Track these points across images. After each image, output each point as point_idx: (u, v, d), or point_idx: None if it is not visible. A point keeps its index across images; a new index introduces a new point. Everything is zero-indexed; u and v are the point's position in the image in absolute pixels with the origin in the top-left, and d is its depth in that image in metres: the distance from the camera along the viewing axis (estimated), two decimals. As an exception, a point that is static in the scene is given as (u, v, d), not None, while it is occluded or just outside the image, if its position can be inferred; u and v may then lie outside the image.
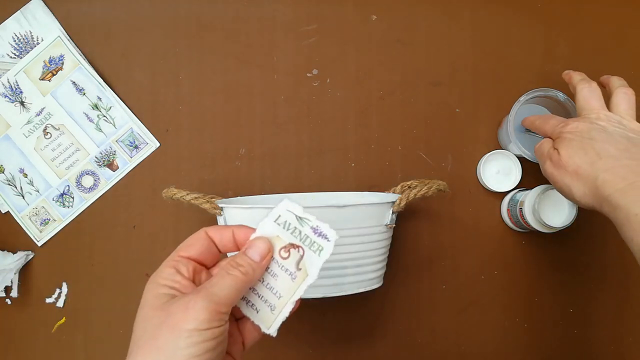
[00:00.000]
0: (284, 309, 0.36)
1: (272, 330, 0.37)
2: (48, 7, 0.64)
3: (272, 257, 0.37)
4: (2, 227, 0.63)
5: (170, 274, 0.36)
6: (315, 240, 0.36)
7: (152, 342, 0.32)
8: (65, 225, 0.63)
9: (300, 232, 0.36)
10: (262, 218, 0.37)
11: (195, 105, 0.64)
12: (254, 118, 0.64)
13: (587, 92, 0.51)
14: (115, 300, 0.62)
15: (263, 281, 0.37)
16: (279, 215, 0.37)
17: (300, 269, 0.36)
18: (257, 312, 0.37)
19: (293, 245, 0.36)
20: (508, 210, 0.61)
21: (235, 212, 0.50)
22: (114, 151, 0.64)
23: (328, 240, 0.36)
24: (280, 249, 0.37)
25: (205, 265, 0.38)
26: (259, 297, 0.37)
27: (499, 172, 0.62)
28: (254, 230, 0.38)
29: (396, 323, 0.62)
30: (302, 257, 0.36)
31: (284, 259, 0.37)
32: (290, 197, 0.60)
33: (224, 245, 0.38)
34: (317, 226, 0.36)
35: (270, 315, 0.37)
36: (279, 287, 0.37)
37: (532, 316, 0.62)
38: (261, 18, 0.65)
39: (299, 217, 0.36)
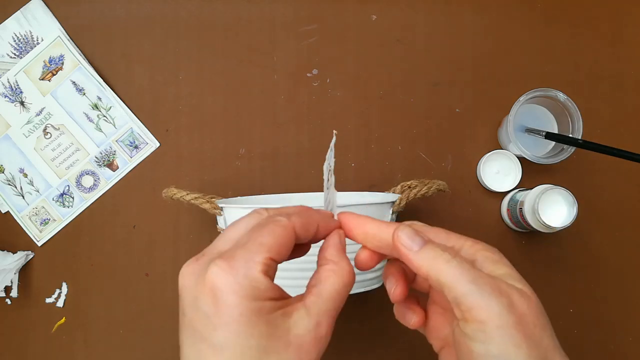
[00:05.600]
0: None
1: None
2: (48, 7, 0.64)
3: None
4: (2, 227, 0.63)
5: (265, 284, 0.27)
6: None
7: None
8: (65, 225, 0.63)
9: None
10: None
11: (195, 105, 0.64)
12: (254, 118, 0.64)
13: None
14: (115, 300, 0.62)
15: None
16: None
17: None
18: None
19: None
20: (508, 210, 0.61)
21: (235, 212, 0.50)
22: (114, 151, 0.64)
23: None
24: None
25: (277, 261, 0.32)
26: None
27: (499, 172, 0.62)
28: (336, 222, 0.34)
29: (396, 323, 0.62)
30: None
31: None
32: (290, 197, 0.60)
33: (304, 238, 0.32)
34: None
35: None
36: None
37: (532, 316, 0.62)
38: (261, 18, 0.65)
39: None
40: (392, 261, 0.36)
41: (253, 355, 0.26)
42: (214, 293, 0.27)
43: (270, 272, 0.28)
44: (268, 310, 0.27)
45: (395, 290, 0.35)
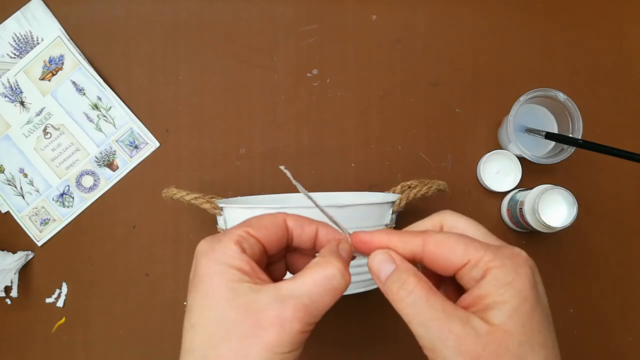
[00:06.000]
0: None
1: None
2: (48, 7, 0.64)
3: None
4: (2, 227, 0.63)
5: (237, 252, 0.29)
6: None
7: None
8: (65, 225, 0.63)
9: None
10: None
11: (195, 105, 0.64)
12: (254, 118, 0.64)
13: None
14: (115, 300, 0.62)
15: None
16: None
17: None
18: None
19: None
20: (508, 210, 0.61)
21: (235, 212, 0.50)
22: (114, 151, 0.64)
23: None
24: None
25: (268, 253, 0.33)
26: None
27: (499, 172, 0.62)
28: (341, 234, 0.34)
29: (396, 323, 0.62)
30: None
31: None
32: (291, 197, 0.60)
33: (301, 241, 0.33)
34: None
35: None
36: None
37: (532, 316, 0.62)
38: (261, 18, 0.65)
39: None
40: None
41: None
42: (195, 257, 0.30)
43: (244, 243, 0.30)
44: (233, 278, 0.29)
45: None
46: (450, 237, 0.31)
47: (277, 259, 0.35)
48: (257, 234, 0.31)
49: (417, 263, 0.32)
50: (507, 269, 0.29)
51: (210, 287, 0.29)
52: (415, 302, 0.29)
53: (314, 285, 0.29)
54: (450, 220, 0.34)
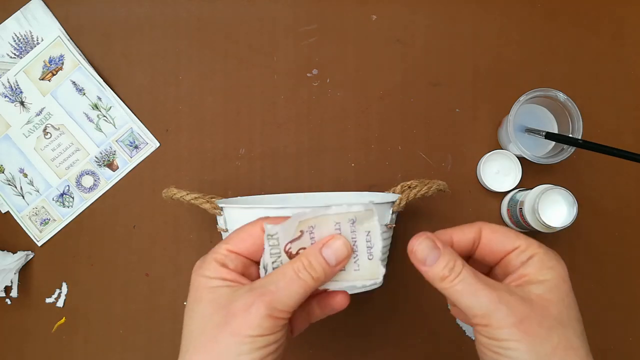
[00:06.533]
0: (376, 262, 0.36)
1: (379, 278, 0.36)
2: (48, 7, 0.64)
3: (348, 261, 0.35)
4: (2, 227, 0.63)
5: (216, 268, 0.34)
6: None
7: (211, 346, 0.31)
8: (65, 225, 0.63)
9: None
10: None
11: (195, 105, 0.64)
12: (254, 118, 0.64)
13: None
14: (115, 300, 0.62)
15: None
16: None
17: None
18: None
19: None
20: (508, 210, 0.61)
21: (235, 212, 0.50)
22: (114, 151, 0.64)
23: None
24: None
25: (255, 261, 0.36)
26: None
27: (499, 172, 0.62)
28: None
29: (396, 323, 0.62)
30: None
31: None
32: (290, 197, 0.60)
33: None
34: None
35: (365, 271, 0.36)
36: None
37: (532, 316, 0.62)
38: (261, 18, 0.65)
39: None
40: None
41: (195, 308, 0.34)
42: (192, 277, 0.35)
43: (226, 260, 0.34)
44: (214, 285, 0.33)
45: (452, 310, 0.42)
46: (503, 227, 0.36)
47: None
48: (235, 248, 0.35)
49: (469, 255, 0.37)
50: (550, 255, 0.35)
51: (196, 294, 0.34)
52: (465, 279, 0.33)
53: (282, 275, 0.33)
54: (486, 227, 0.38)
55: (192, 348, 0.32)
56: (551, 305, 0.32)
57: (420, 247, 0.34)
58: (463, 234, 0.36)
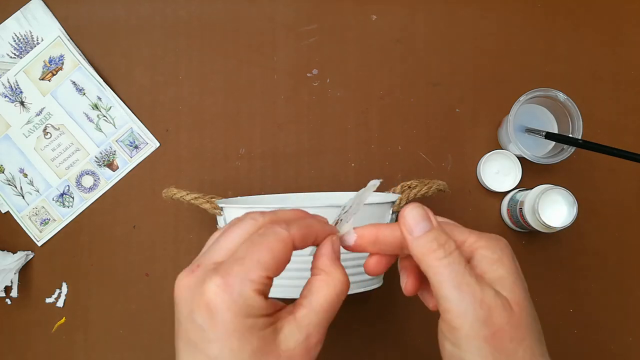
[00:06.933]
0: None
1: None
2: (48, 7, 0.64)
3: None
4: (2, 227, 0.63)
5: (259, 302, 0.28)
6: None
7: None
8: (65, 225, 0.63)
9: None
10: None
11: (195, 105, 0.64)
12: (254, 118, 0.64)
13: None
14: (115, 300, 0.62)
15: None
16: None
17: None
18: None
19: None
20: (508, 210, 0.61)
21: (235, 212, 0.50)
22: (114, 151, 0.64)
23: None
24: None
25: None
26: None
27: (499, 172, 0.62)
28: (331, 227, 0.34)
29: (396, 323, 0.62)
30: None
31: None
32: (290, 197, 0.60)
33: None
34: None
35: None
36: None
37: (532, 316, 0.62)
38: (261, 18, 0.65)
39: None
40: (405, 256, 0.36)
41: None
42: (210, 309, 0.28)
43: (265, 290, 0.29)
44: (260, 327, 0.28)
45: (406, 285, 0.37)
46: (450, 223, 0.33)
47: None
48: (273, 274, 0.29)
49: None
50: (491, 248, 0.32)
51: (224, 327, 0.28)
52: (453, 264, 0.30)
53: (328, 306, 0.30)
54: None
55: None
56: (525, 313, 0.30)
57: (411, 213, 0.32)
58: (390, 232, 0.33)
